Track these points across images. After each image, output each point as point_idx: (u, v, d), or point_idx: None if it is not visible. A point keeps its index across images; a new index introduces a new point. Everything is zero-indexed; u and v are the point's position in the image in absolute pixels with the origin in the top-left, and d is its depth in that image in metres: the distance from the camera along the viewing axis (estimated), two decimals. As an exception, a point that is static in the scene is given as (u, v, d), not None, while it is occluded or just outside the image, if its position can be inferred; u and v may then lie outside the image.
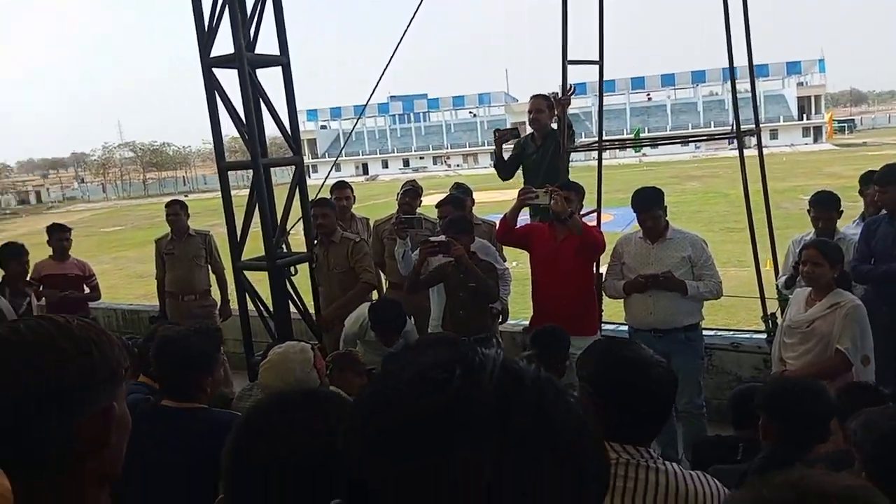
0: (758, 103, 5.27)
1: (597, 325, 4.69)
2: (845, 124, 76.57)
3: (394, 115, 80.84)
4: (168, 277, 6.21)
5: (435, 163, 76.67)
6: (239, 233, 4.85)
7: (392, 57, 5.42)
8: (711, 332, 5.22)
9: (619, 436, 1.68)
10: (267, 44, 4.62)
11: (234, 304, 6.40)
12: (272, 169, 4.94)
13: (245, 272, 4.96)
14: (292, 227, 5.23)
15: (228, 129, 4.88)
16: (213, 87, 4.39)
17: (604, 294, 4.70)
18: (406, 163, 77.72)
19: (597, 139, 5.68)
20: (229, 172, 4.89)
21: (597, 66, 5.35)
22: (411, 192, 5.54)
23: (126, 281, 18.88)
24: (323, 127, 79.10)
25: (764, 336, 4.91)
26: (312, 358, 2.43)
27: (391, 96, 76.54)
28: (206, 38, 4.28)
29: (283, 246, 5.09)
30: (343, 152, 74.82)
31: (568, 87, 5.08)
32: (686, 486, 1.64)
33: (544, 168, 5.13)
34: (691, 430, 4.23)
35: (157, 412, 2.41)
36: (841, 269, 3.64)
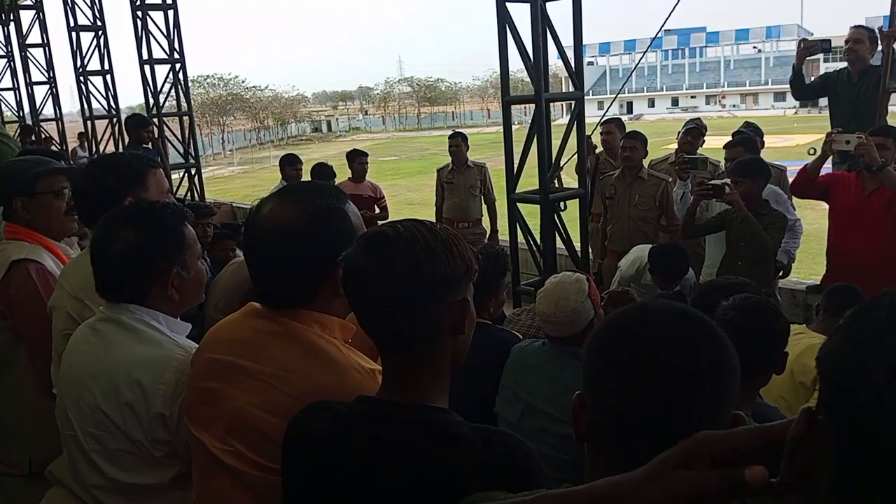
0: None
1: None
2: None
3: (666, 51, 76.14)
4: (446, 205, 6.66)
5: (708, 102, 71.33)
6: (515, 166, 5.01)
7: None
8: None
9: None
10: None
11: (501, 235, 6.73)
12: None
13: (518, 204, 5.12)
14: (566, 162, 5.26)
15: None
16: (504, 22, 4.50)
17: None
18: (675, 102, 73.35)
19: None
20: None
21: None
22: (694, 131, 5.24)
23: (398, 206, 20.56)
24: (589, 63, 77.32)
25: None
26: (587, 288, 2.46)
27: (665, 30, 72.03)
28: (504, -28, 4.39)
29: (555, 181, 5.15)
30: (608, 90, 72.97)
31: (899, 16, 4.36)
32: None
33: (859, 109, 4.52)
34: None
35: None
36: None
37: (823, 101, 5.30)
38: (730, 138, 4.82)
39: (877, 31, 4.55)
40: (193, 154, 9.56)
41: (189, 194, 9.54)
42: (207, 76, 64.91)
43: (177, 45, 9.04)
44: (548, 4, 4.59)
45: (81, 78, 11.12)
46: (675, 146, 5.43)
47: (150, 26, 8.92)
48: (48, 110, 13.87)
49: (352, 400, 1.13)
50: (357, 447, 1.07)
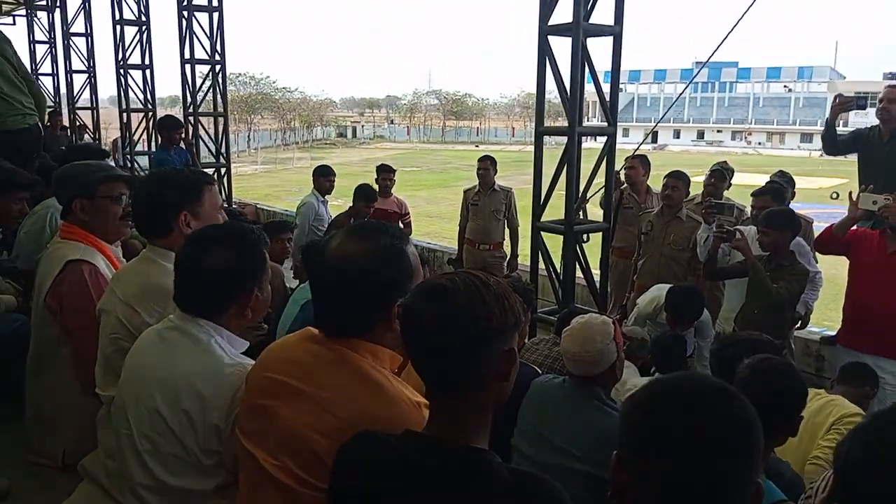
0: None
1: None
2: None
3: (696, 83, 76.09)
4: (469, 226, 6.75)
5: (734, 138, 71.09)
6: (543, 195, 5.08)
7: (736, 25, 5.14)
8: None
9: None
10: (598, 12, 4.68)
11: (522, 260, 6.80)
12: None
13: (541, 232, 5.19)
14: (592, 195, 5.33)
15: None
16: (545, 53, 4.60)
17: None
18: (700, 135, 73.14)
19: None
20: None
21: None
22: (717, 174, 5.27)
23: (416, 218, 20.53)
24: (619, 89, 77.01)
25: None
26: (613, 331, 2.52)
27: (696, 62, 72.00)
28: (547, 6, 4.49)
29: (580, 213, 5.22)
30: (634, 117, 72.91)
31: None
32: None
33: (888, 169, 4.54)
34: None
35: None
36: None
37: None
38: (753, 176, 4.85)
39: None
40: (225, 154, 9.73)
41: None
42: (240, 74, 65.72)
43: (218, 47, 9.24)
44: (588, 38, 4.68)
45: (122, 70, 11.36)
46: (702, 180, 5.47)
47: (195, 27, 9.12)
48: (83, 99, 14.15)
49: (398, 430, 1.22)
50: (401, 479, 1.15)
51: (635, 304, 4.80)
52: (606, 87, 4.86)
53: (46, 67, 14.82)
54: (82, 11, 13.07)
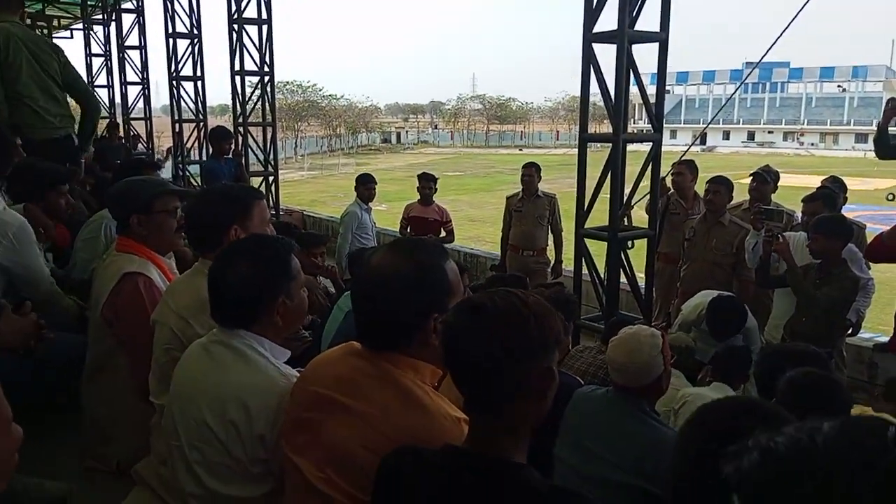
0: None
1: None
2: None
3: (747, 84, 74.47)
4: (513, 232, 6.74)
5: (785, 139, 69.36)
6: (587, 202, 5.05)
7: (789, 25, 5.03)
8: None
9: None
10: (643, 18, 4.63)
11: (566, 265, 6.76)
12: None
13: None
14: (637, 201, 5.28)
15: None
16: (589, 61, 4.58)
17: None
18: (751, 136, 71.54)
19: None
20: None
21: None
22: (760, 178, 5.14)
23: (459, 222, 20.69)
24: (666, 92, 75.84)
25: None
26: (661, 344, 2.50)
27: (747, 62, 70.43)
28: (592, 14, 4.47)
29: (625, 219, 5.17)
30: (682, 119, 71.63)
31: None
32: None
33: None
34: None
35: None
36: None
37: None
38: (805, 178, 4.75)
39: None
40: (273, 163, 9.93)
41: (266, 200, 9.90)
42: (287, 82, 66.94)
43: (267, 59, 9.44)
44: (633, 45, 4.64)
45: (174, 82, 11.71)
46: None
47: (244, 39, 9.34)
48: (137, 109, 14.61)
49: (439, 444, 1.24)
50: (440, 492, 1.18)
51: (679, 310, 4.73)
52: (651, 90, 4.82)
53: (102, 79, 15.35)
54: (136, 25, 13.51)
